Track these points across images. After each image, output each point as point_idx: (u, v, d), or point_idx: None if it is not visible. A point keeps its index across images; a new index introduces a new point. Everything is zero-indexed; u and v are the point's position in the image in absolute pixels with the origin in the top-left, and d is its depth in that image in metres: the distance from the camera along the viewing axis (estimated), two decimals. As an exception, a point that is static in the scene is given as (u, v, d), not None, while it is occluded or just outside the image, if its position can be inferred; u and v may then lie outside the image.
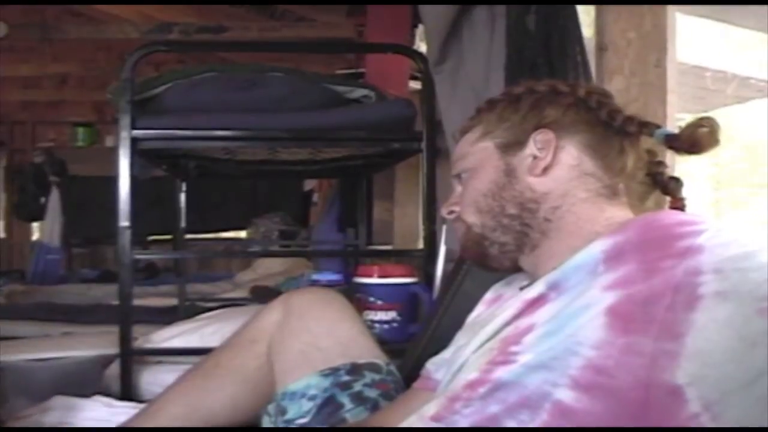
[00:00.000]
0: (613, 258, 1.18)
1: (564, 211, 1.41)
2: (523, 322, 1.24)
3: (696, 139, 1.35)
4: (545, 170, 1.44)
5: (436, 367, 1.69)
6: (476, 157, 1.54)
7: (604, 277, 1.17)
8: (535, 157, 1.45)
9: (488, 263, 1.54)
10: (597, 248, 1.22)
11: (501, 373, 1.19)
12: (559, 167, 1.44)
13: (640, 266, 1.14)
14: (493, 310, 1.58)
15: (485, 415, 1.17)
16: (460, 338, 1.64)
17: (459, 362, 1.40)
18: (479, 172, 1.52)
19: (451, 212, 1.61)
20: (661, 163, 1.53)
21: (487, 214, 1.49)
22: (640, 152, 1.48)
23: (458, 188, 1.60)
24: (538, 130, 1.46)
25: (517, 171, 1.47)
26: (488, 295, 1.70)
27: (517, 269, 1.54)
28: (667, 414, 1.08)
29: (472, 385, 1.21)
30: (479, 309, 1.69)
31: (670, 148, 1.40)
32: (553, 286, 1.25)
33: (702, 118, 1.37)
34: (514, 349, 1.21)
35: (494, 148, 1.51)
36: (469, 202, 1.53)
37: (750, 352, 1.07)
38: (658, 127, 1.43)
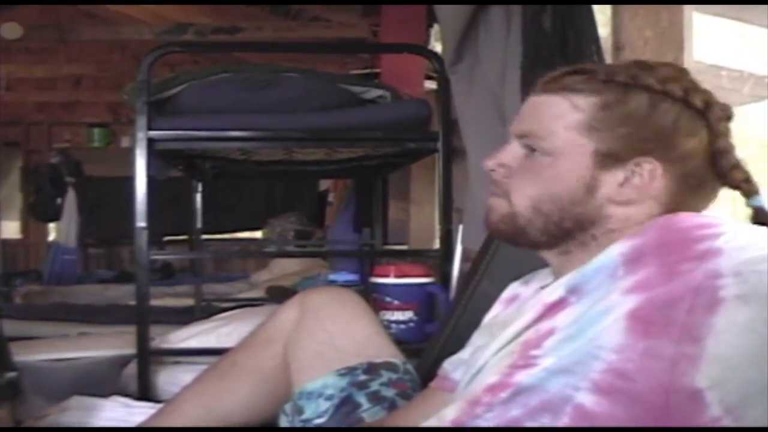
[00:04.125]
0: (632, 261, 1.18)
1: (617, 234, 1.32)
2: (544, 326, 1.24)
3: None
4: (628, 200, 1.35)
5: (453, 366, 1.69)
6: (564, 148, 1.37)
7: (623, 280, 1.17)
8: (625, 183, 1.34)
9: (516, 243, 1.49)
10: (615, 251, 1.21)
11: (522, 377, 1.18)
12: (642, 194, 1.34)
13: (660, 269, 1.14)
14: (511, 311, 1.57)
15: (506, 419, 1.17)
16: (477, 339, 1.63)
17: (478, 364, 1.39)
18: (558, 168, 1.37)
19: (496, 170, 1.47)
20: None
21: (542, 216, 1.39)
22: None
23: (515, 147, 1.45)
24: (646, 157, 1.33)
25: (599, 190, 1.35)
26: (505, 295, 1.68)
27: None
28: (687, 418, 1.08)
29: (492, 389, 1.21)
30: (496, 309, 1.68)
31: (757, 221, 1.34)
32: (573, 290, 1.24)
33: None
34: (534, 353, 1.20)
35: (590, 155, 1.35)
36: (527, 191, 1.40)
37: None
38: (758, 193, 1.37)
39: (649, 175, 1.33)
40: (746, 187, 1.36)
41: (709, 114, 1.34)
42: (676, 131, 1.33)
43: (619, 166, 1.34)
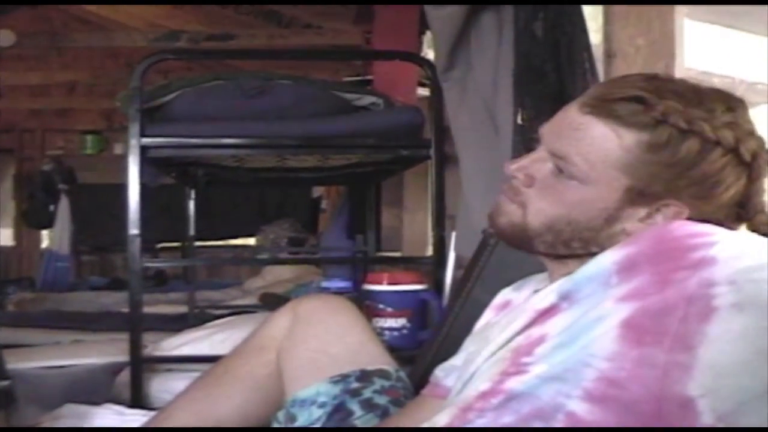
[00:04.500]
0: (626, 269, 1.17)
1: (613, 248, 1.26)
2: (535, 332, 1.24)
3: None
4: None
5: (444, 373, 1.69)
6: (597, 179, 1.32)
7: (617, 288, 1.16)
8: (646, 218, 1.32)
9: (516, 248, 1.48)
10: (609, 259, 1.21)
11: (513, 384, 1.19)
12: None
13: (654, 278, 1.13)
14: (502, 317, 1.57)
15: (499, 426, 1.17)
16: (469, 345, 1.63)
17: (470, 371, 1.38)
18: (585, 195, 1.33)
19: (518, 177, 1.41)
20: None
21: (553, 233, 1.38)
22: None
23: (544, 160, 1.39)
24: (677, 201, 1.30)
25: (617, 221, 1.33)
26: (496, 301, 1.69)
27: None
28: (680, 426, 1.08)
29: (484, 396, 1.21)
30: (488, 315, 1.68)
31: None
32: (565, 297, 1.23)
33: None
34: (526, 360, 1.20)
35: (622, 190, 1.31)
36: (546, 209, 1.38)
37: (764, 364, 1.07)
38: None
39: (673, 217, 1.30)
40: (766, 230, 1.34)
41: (754, 164, 1.31)
42: (718, 182, 1.29)
43: (646, 204, 1.31)
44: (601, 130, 1.31)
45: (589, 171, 1.31)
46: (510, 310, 1.56)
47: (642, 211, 1.31)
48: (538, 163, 1.40)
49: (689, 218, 1.28)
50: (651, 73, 1.46)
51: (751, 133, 1.32)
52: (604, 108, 1.32)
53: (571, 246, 1.37)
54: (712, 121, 1.28)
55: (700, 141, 1.27)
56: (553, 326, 1.21)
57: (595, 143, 1.31)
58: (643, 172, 1.29)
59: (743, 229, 1.36)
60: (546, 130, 1.41)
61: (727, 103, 1.32)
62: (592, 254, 1.30)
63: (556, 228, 1.37)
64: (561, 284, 1.26)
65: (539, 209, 1.38)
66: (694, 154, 1.27)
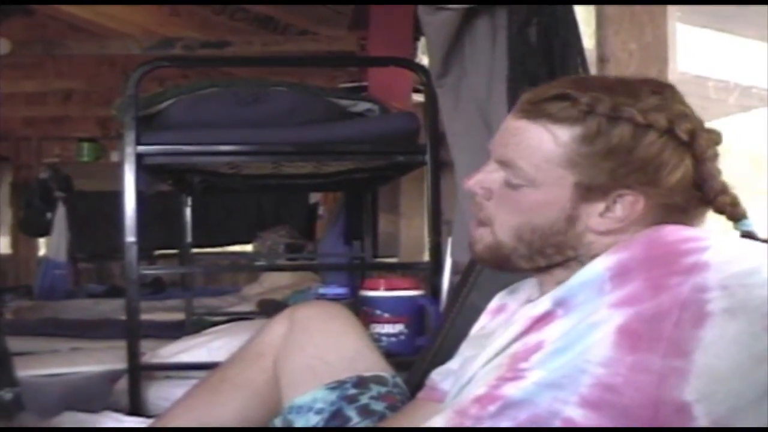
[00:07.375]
0: (619, 276, 1.19)
1: (598, 255, 1.29)
2: (532, 339, 1.24)
3: None
4: (609, 230, 1.33)
5: (441, 377, 1.70)
6: (544, 180, 1.34)
7: (611, 295, 1.17)
8: (605, 213, 1.33)
9: (501, 270, 1.50)
10: (601, 265, 1.22)
11: (511, 390, 1.19)
12: (623, 224, 1.33)
13: (647, 284, 1.15)
14: (499, 321, 1.57)
15: None
16: (465, 349, 1.64)
17: (467, 376, 1.39)
18: (538, 199, 1.35)
19: (476, 191, 1.43)
20: None
21: (524, 244, 1.38)
22: None
23: (495, 170, 1.41)
24: (629, 190, 1.31)
25: (579, 220, 1.34)
26: (492, 305, 1.69)
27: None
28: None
29: (480, 400, 1.22)
30: (484, 320, 1.69)
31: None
32: (560, 303, 1.25)
33: None
34: (522, 366, 1.21)
35: (571, 187, 1.32)
36: (509, 221, 1.39)
37: (758, 369, 1.08)
38: (746, 217, 1.35)
39: (631, 207, 1.31)
40: (732, 211, 1.35)
41: (694, 144, 1.31)
42: (660, 165, 1.30)
43: (600, 198, 1.32)
44: (536, 131, 1.34)
45: (536, 174, 1.34)
46: (505, 315, 1.57)
47: (599, 206, 1.33)
48: (492, 174, 1.42)
49: (645, 206, 1.30)
50: (581, 75, 1.49)
51: (685, 115, 1.33)
52: (534, 110, 1.35)
53: (546, 254, 1.38)
54: (639, 106, 1.29)
55: (631, 126, 1.29)
56: (550, 333, 1.22)
57: (533, 145, 1.34)
58: (585, 165, 1.31)
59: (710, 212, 1.37)
60: (493, 141, 1.44)
61: (653, 88, 1.35)
62: (571, 259, 1.33)
63: (525, 238, 1.37)
64: (555, 291, 1.28)
65: (503, 223, 1.40)
66: (628, 139, 1.29)
